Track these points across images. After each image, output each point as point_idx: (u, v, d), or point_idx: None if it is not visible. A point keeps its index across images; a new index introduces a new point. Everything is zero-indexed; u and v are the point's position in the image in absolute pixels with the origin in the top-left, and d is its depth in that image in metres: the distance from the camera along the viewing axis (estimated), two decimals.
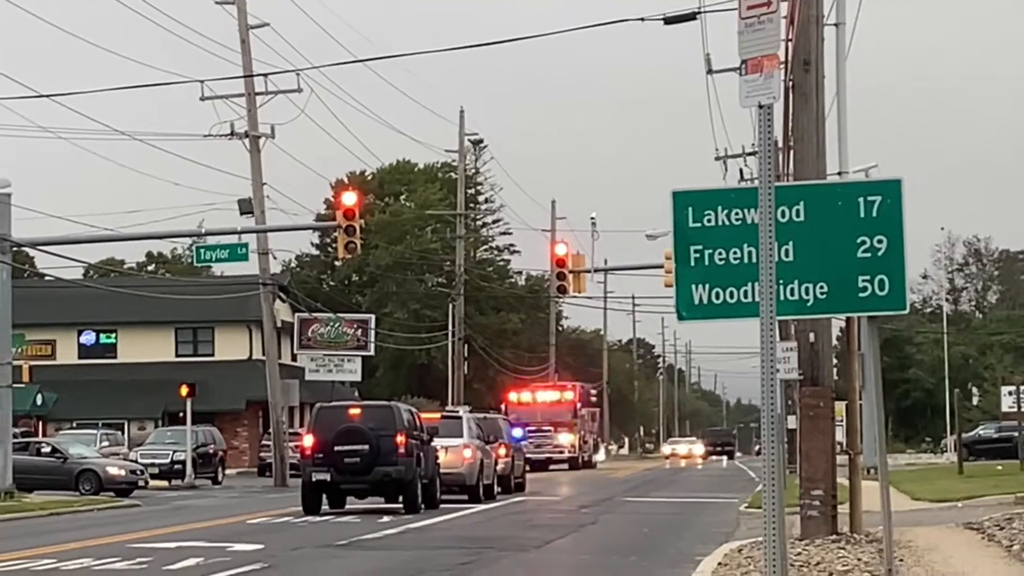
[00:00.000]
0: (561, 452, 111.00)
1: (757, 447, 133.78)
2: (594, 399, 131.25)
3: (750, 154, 46.51)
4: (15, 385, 67.75)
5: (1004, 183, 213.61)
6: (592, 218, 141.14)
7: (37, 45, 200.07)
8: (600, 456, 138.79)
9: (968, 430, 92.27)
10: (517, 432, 77.23)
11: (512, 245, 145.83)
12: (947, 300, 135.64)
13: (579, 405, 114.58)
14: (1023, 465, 63.47)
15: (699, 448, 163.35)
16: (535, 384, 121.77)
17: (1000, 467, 67.84)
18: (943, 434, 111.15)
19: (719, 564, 25.50)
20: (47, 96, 60.67)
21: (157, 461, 77.02)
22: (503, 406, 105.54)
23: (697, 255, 18.66)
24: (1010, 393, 69.80)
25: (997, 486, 48.58)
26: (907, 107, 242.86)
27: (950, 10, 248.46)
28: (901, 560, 23.66)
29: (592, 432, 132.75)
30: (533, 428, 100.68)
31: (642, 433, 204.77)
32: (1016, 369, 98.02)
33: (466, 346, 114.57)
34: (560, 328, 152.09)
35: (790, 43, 32.16)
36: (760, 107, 11.29)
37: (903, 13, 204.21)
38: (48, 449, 72.10)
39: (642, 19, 45.89)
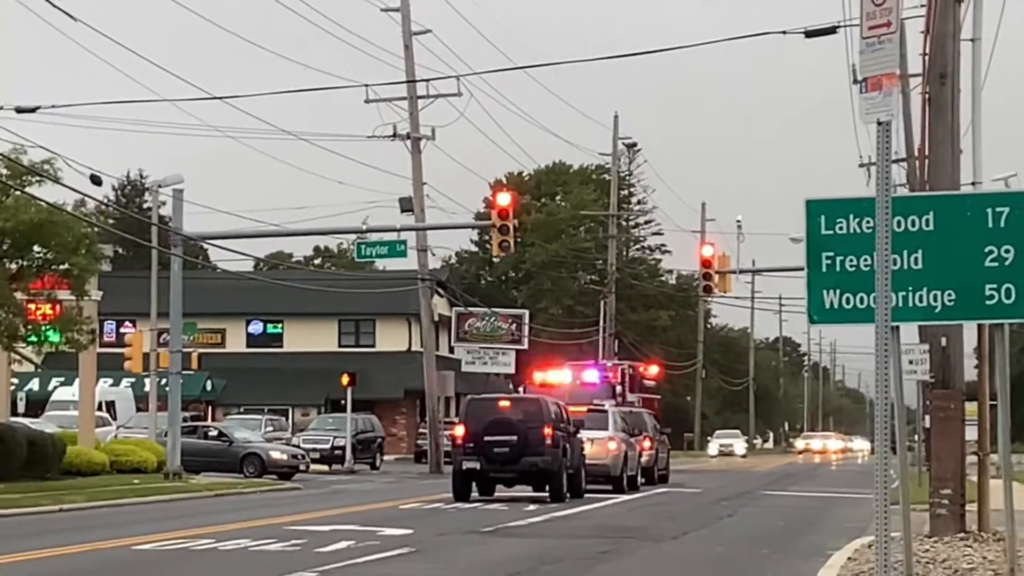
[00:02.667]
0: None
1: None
2: (650, 383, 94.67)
3: (894, 162, 46.06)
4: (185, 372, 68.44)
5: None
6: (738, 221, 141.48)
7: (211, 49, 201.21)
8: (740, 449, 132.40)
9: None
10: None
11: (663, 245, 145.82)
12: None
13: (620, 388, 79.39)
14: None
15: (834, 443, 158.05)
16: (565, 363, 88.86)
17: None
18: None
19: (848, 559, 25.32)
20: (220, 98, 61.08)
21: (318, 446, 77.80)
22: (522, 388, 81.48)
23: (829, 261, 18.57)
24: None
25: None
26: None
27: None
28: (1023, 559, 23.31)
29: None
30: None
31: (787, 428, 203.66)
32: None
33: (616, 341, 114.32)
34: (708, 326, 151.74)
35: (926, 57, 31.89)
36: (879, 123, 11.17)
37: None
38: (215, 433, 72.82)
39: (784, 32, 45.72)
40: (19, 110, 48.34)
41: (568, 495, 47.46)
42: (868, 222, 17.82)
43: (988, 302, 18.80)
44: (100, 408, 74.53)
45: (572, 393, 68.85)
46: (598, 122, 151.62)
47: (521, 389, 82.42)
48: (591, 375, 74.31)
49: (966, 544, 27.05)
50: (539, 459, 47.19)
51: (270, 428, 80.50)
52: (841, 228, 18.46)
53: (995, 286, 18.62)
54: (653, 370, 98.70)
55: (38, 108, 48.40)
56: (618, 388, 74.16)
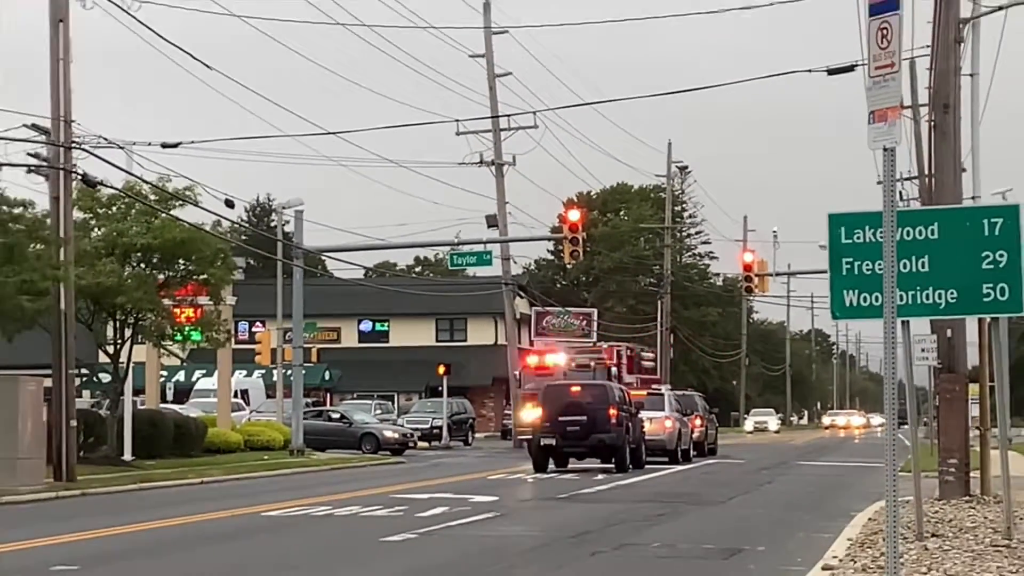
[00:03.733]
0: None
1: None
2: (650, 364, 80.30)
3: (906, 179, 45.80)
4: (306, 364, 68.80)
5: None
6: (774, 231, 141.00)
7: (326, 89, 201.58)
8: (773, 426, 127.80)
9: None
10: (528, 410, 56.96)
11: (711, 252, 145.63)
12: None
13: (615, 371, 67.32)
14: None
15: (856, 420, 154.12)
16: (560, 345, 75.82)
17: None
18: None
19: (869, 519, 25.15)
20: (334, 133, 61.31)
21: (420, 426, 77.65)
22: (517, 372, 71.38)
23: (848, 266, 18.55)
24: None
25: None
26: None
27: None
28: (1021, 518, 23.18)
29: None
30: None
31: (819, 407, 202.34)
32: None
33: (672, 335, 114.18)
34: (750, 321, 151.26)
35: (931, 90, 31.80)
36: (884, 150, 11.11)
37: None
38: (337, 416, 73.05)
39: (809, 70, 45.74)
40: (164, 145, 48.49)
41: (631, 466, 47.42)
42: (880, 232, 17.77)
43: (986, 299, 18.74)
44: (236, 395, 74.92)
45: (567, 375, 59.87)
46: (654, 148, 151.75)
47: (517, 373, 72.42)
48: (586, 358, 63.24)
49: (970, 506, 26.92)
50: (606, 436, 47.32)
51: (379, 411, 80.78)
52: (858, 238, 18.43)
53: (991, 285, 18.56)
54: (649, 354, 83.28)
55: (180, 144, 48.61)
56: (613, 370, 61.87)
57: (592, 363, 60.90)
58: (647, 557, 21.71)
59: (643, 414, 52.08)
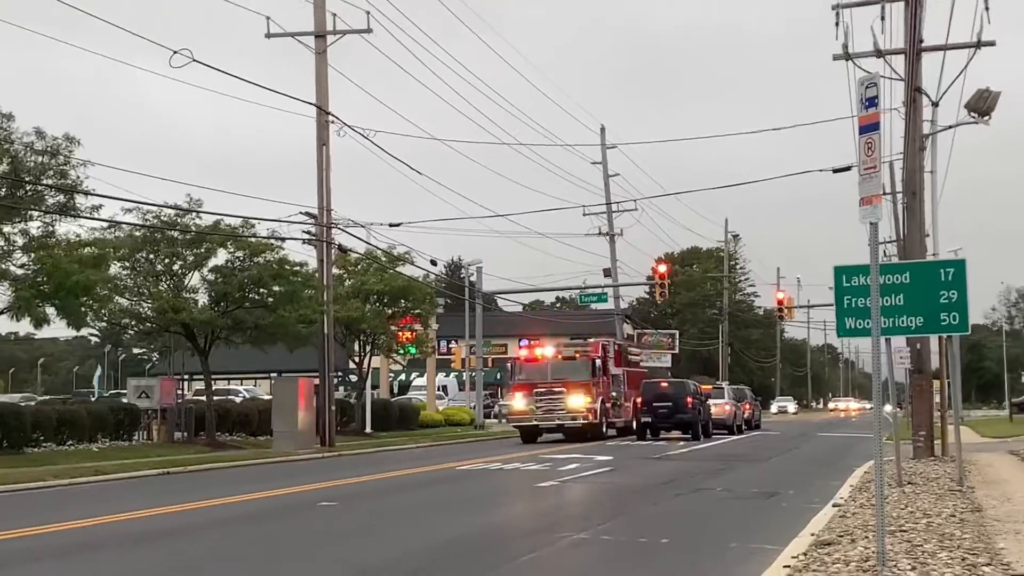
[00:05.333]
0: (574, 417, 49.74)
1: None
2: (635, 358, 63.04)
3: (887, 242, 45.14)
4: (484, 369, 69.12)
5: None
6: (798, 277, 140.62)
7: (494, 184, 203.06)
8: (791, 409, 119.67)
9: (1016, 396, 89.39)
10: (518, 398, 47.91)
11: (755, 292, 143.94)
12: (1006, 323, 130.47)
13: (600, 363, 52.47)
14: None
15: (853, 404, 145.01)
16: (550, 339, 58.91)
17: None
18: (1003, 399, 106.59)
19: (864, 472, 24.84)
20: (502, 215, 62.07)
21: None
22: (511, 364, 56.74)
23: (848, 301, 18.42)
24: None
25: None
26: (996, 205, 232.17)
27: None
28: (968, 471, 22.81)
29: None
30: (542, 390, 49.81)
31: (829, 396, 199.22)
32: None
33: (729, 348, 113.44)
34: (782, 338, 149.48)
35: (903, 181, 31.51)
36: (871, 224, 11.07)
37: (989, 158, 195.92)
38: (506, 404, 73.22)
39: (820, 170, 45.38)
40: (391, 225, 48.91)
41: (701, 436, 47.18)
42: (868, 278, 17.69)
43: (943, 323, 18.51)
44: (438, 389, 75.45)
45: (554, 366, 48.12)
46: (716, 222, 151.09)
47: (510, 365, 56.68)
48: (571, 350, 50.17)
49: (934, 463, 26.54)
50: (685, 415, 47.21)
51: None
52: (854, 282, 18.29)
53: (946, 314, 18.31)
54: (635, 347, 69.80)
55: (401, 224, 49.14)
56: (597, 361, 48.92)
57: (577, 355, 48.55)
58: (714, 497, 21.63)
59: (710, 401, 51.97)
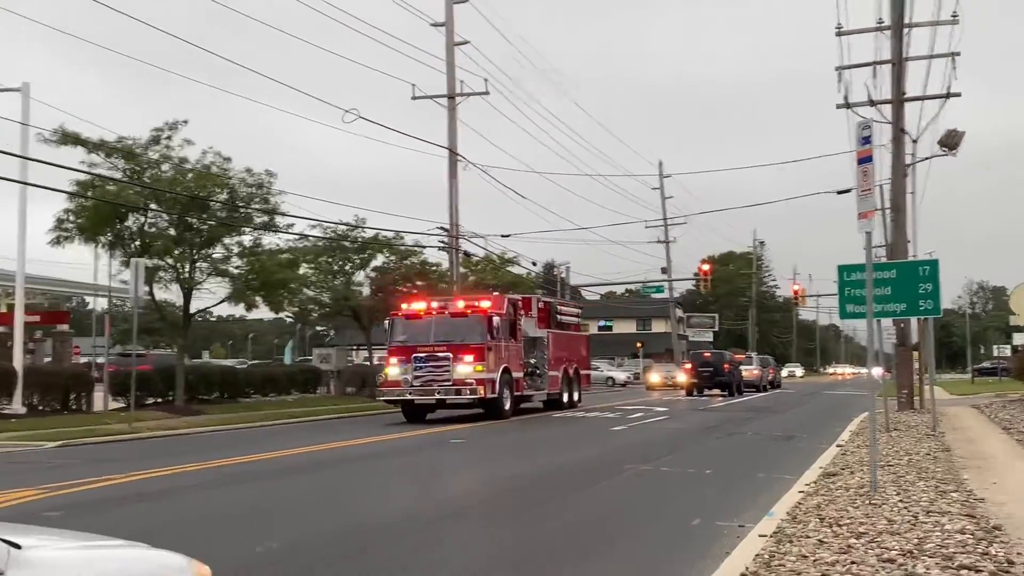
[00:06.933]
0: (460, 390, 26.65)
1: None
2: (570, 319, 35.36)
3: (878, 247, 43.98)
4: None
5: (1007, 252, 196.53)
6: (810, 274, 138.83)
7: (572, 202, 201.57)
8: (799, 372, 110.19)
9: (976, 364, 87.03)
10: (393, 367, 27.64)
11: (776, 284, 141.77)
12: (968, 308, 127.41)
13: (500, 322, 27.74)
14: (1001, 382, 58.69)
15: (849, 369, 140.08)
16: (440, 295, 33.74)
17: (990, 381, 62.83)
18: (967, 366, 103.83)
19: (860, 421, 24.41)
20: (584, 228, 61.71)
21: (627, 373, 76.02)
22: (388, 321, 28.94)
23: (848, 291, 17.95)
24: (996, 348, 66.10)
25: (991, 390, 45.34)
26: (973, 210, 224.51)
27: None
28: (940, 420, 22.23)
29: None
30: (422, 355, 27.19)
31: (833, 362, 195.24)
32: (999, 339, 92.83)
33: (756, 328, 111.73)
34: (797, 320, 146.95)
35: (891, 199, 30.81)
36: (866, 233, 10.83)
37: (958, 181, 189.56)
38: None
39: (829, 192, 44.35)
40: (503, 235, 49.25)
41: (736, 394, 46.54)
42: (863, 274, 17.30)
43: (921, 308, 17.95)
44: None
45: (439, 324, 27.58)
46: (747, 232, 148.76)
47: (387, 323, 29.02)
48: (462, 304, 28.52)
49: (914, 414, 25.97)
50: (722, 378, 46.59)
51: (611, 366, 79.67)
52: (853, 276, 17.86)
53: (924, 301, 17.76)
54: (572, 308, 37.95)
55: (510, 235, 49.41)
56: (496, 321, 27.60)
57: (468, 311, 27.70)
58: (745, 439, 21.33)
59: (742, 367, 51.22)
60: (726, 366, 47.10)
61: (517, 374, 29.13)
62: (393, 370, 27.62)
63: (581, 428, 24.59)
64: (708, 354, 50.43)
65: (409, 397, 27.34)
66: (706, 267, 66.56)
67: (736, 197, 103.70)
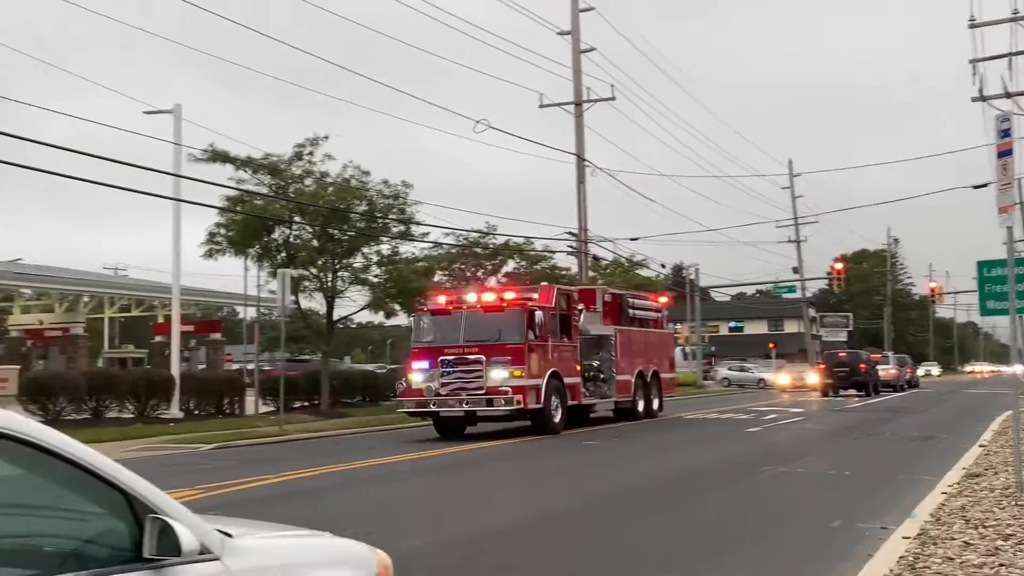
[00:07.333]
0: (492, 400, 20.96)
1: None
2: (651, 314, 29.02)
3: (1019, 240, 42.08)
4: (701, 344, 67.25)
5: None
6: (947, 271, 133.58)
7: (699, 204, 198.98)
8: (935, 371, 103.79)
9: None
10: (416, 372, 22.04)
11: (911, 281, 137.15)
12: None
13: (545, 317, 22.05)
14: None
15: (987, 367, 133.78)
16: (481, 285, 28.86)
17: None
18: None
19: (1003, 420, 23.41)
20: (712, 229, 60.76)
21: (758, 374, 74.78)
22: (414, 318, 24.02)
23: (988, 287, 17.27)
24: None
25: None
26: None
27: None
28: None
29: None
30: (450, 357, 21.59)
31: (972, 361, 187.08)
32: None
33: (892, 326, 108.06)
34: (934, 317, 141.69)
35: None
36: (1007, 228, 10.47)
37: None
38: (736, 368, 71.54)
39: (963, 187, 42.50)
40: (631, 239, 49.19)
41: (872, 394, 45.10)
42: (1005, 269, 16.64)
43: None
44: None
45: (470, 320, 21.98)
46: (881, 230, 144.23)
47: (413, 320, 24.28)
48: (494, 297, 22.62)
49: None
50: (859, 377, 45.14)
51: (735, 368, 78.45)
52: (995, 272, 17.16)
53: None
54: (650, 302, 29.98)
55: (638, 238, 49.35)
56: (539, 316, 21.78)
57: (504, 304, 22.15)
58: (883, 439, 20.74)
59: (879, 366, 49.60)
60: (862, 366, 45.70)
61: (572, 379, 23.32)
62: (416, 376, 22.12)
63: (715, 430, 24.29)
64: (843, 354, 49.05)
65: (434, 409, 21.94)
66: (839, 266, 64.83)
67: (868, 195, 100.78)
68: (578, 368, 23.82)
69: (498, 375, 21.33)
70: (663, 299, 32.77)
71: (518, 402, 21.07)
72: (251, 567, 3.09)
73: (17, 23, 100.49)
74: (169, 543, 2.82)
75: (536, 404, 21.60)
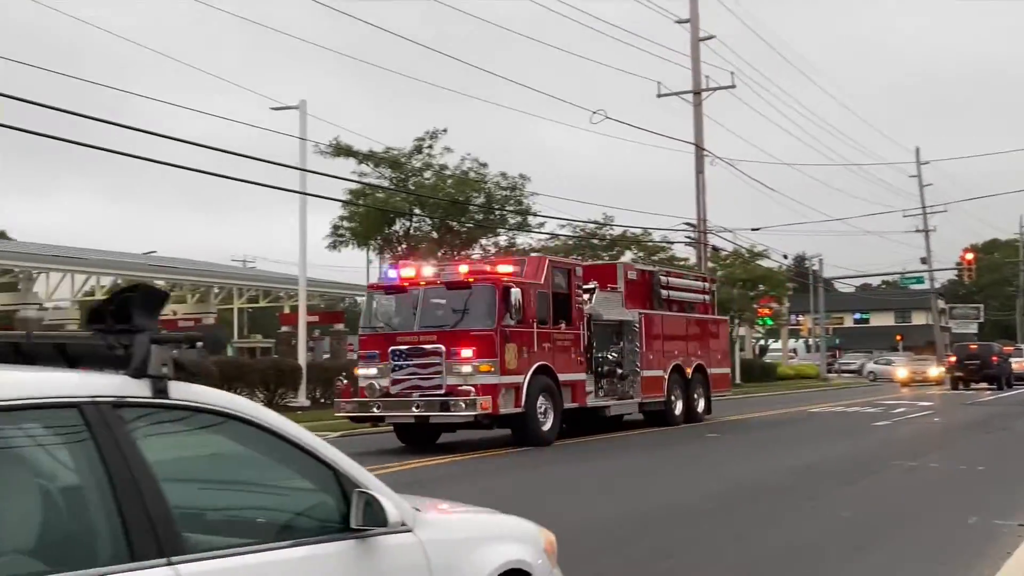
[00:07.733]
0: (451, 404, 15.95)
1: None
2: (695, 296, 23.84)
3: None
4: (825, 336, 66.22)
5: None
6: None
7: (822, 193, 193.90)
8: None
9: None
10: (363, 367, 17.47)
11: None
12: None
13: (521, 296, 16.46)
14: None
15: None
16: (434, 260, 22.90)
17: None
18: None
19: None
20: (837, 220, 59.45)
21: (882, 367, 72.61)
22: (366, 295, 19.01)
23: None
24: None
25: None
26: None
27: None
28: None
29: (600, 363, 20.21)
30: (404, 348, 16.60)
31: None
32: None
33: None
34: None
35: None
36: None
37: None
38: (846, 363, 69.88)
39: None
40: (753, 229, 48.71)
41: (1005, 387, 43.49)
42: None
43: None
44: (790, 351, 73.41)
45: (427, 298, 16.98)
46: (1011, 218, 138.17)
47: (364, 301, 19.85)
48: (459, 271, 17.26)
49: None
50: (990, 370, 43.67)
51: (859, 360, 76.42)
52: None
53: None
54: (693, 280, 25.31)
55: (760, 228, 48.83)
56: (515, 294, 16.33)
57: (470, 278, 16.81)
58: (1017, 434, 20.21)
59: (1011, 359, 47.88)
60: (994, 358, 44.17)
61: (572, 376, 18.51)
62: (363, 371, 17.66)
63: (841, 423, 23.91)
64: (974, 346, 47.46)
65: (377, 413, 17.28)
66: (969, 256, 62.62)
67: (1000, 183, 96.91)
68: (582, 361, 18.87)
69: (460, 371, 16.60)
70: (704, 283, 25.98)
71: (483, 405, 16.15)
72: (439, 539, 3.40)
73: (152, 23, 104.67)
74: (373, 515, 3.12)
75: (515, 408, 16.75)
